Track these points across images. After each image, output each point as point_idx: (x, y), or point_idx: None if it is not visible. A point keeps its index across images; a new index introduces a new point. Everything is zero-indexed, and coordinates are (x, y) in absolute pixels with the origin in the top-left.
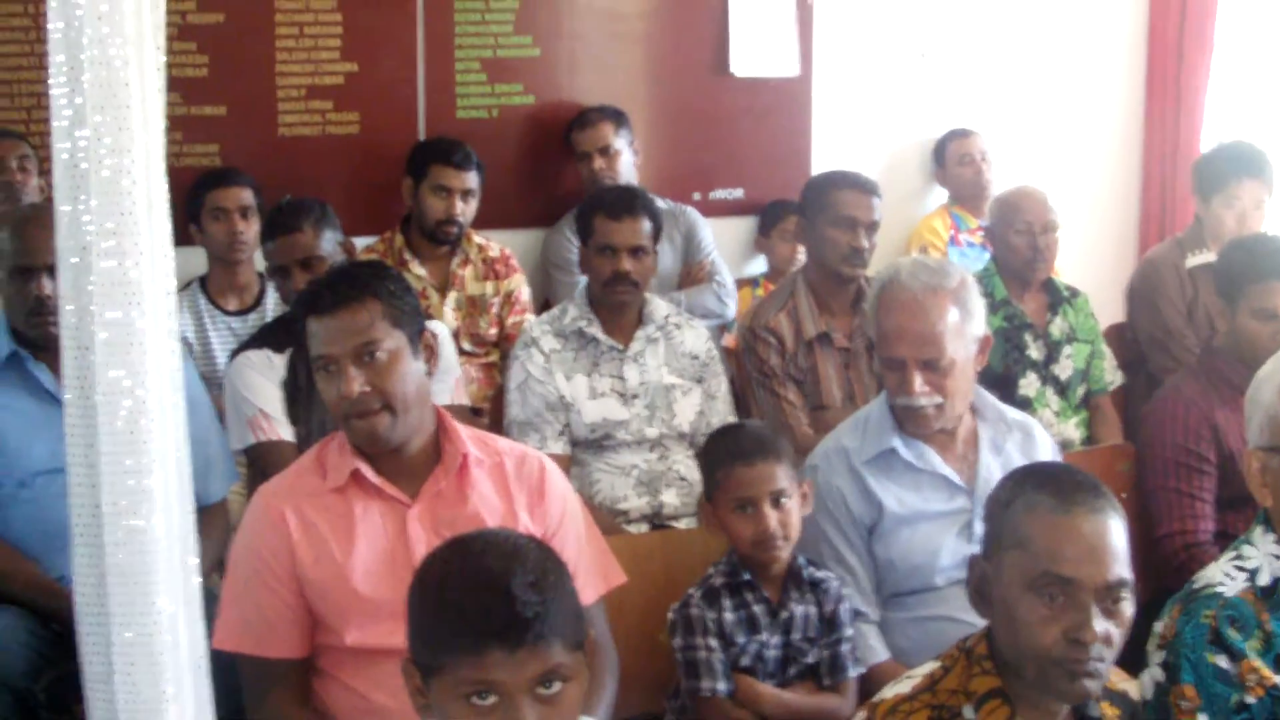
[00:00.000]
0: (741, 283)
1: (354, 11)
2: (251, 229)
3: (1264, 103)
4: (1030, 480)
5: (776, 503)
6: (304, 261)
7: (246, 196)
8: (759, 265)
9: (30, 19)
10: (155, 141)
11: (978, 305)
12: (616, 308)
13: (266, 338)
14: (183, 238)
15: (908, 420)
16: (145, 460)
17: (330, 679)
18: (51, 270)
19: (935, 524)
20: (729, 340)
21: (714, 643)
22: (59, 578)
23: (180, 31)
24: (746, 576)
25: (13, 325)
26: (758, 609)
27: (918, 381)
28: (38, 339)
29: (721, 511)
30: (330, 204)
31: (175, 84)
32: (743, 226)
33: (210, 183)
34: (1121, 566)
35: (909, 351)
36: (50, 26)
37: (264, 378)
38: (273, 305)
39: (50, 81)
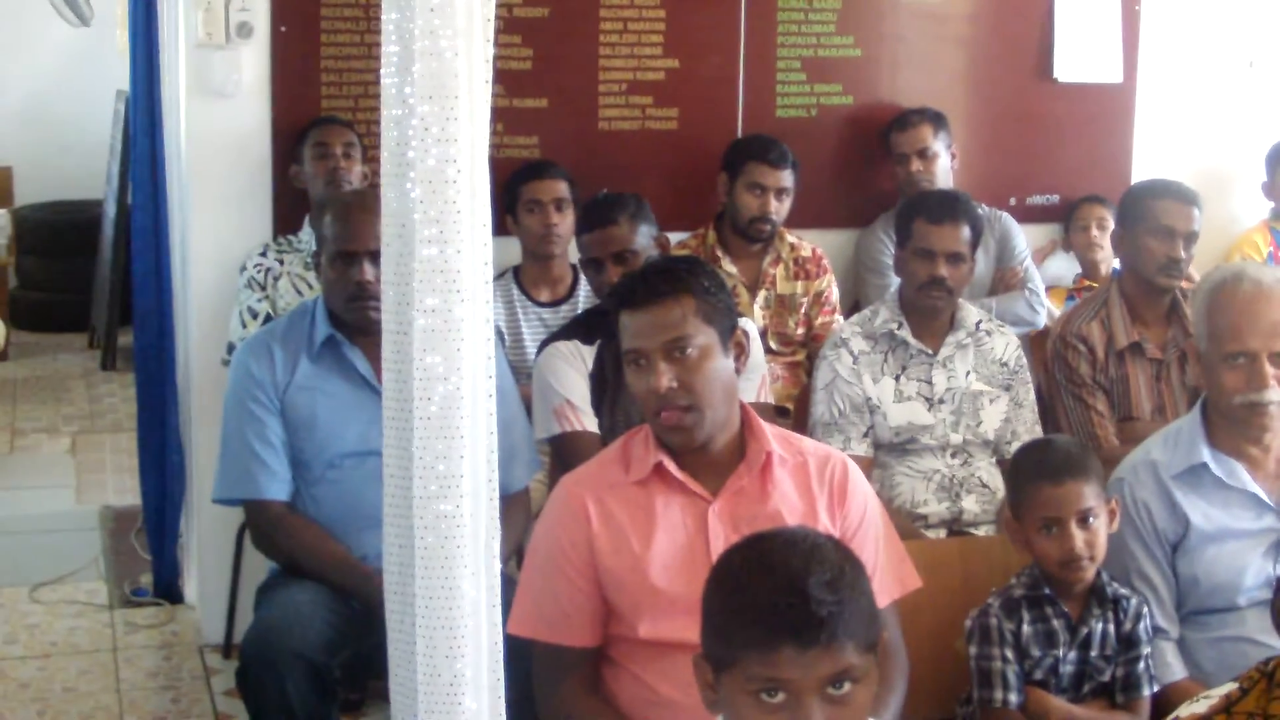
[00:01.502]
0: (1052, 288)
1: (677, 9)
2: (566, 221)
3: None
4: None
5: (1083, 523)
6: (618, 255)
7: (562, 189)
8: (1067, 267)
9: (360, 9)
10: (480, 132)
11: None
12: (928, 312)
13: (576, 329)
14: (499, 228)
15: (1251, 420)
16: (456, 446)
17: (620, 669)
18: (374, 256)
19: (1242, 543)
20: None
21: (1009, 654)
22: (361, 557)
23: (506, 25)
24: (1048, 591)
25: (331, 309)
26: (1057, 624)
27: (1270, 373)
28: (356, 323)
29: (1027, 529)
30: (646, 198)
31: (499, 76)
32: (1058, 233)
33: (526, 175)
34: None
35: (1261, 343)
36: (384, 18)
37: (572, 368)
38: (584, 297)
39: (381, 71)
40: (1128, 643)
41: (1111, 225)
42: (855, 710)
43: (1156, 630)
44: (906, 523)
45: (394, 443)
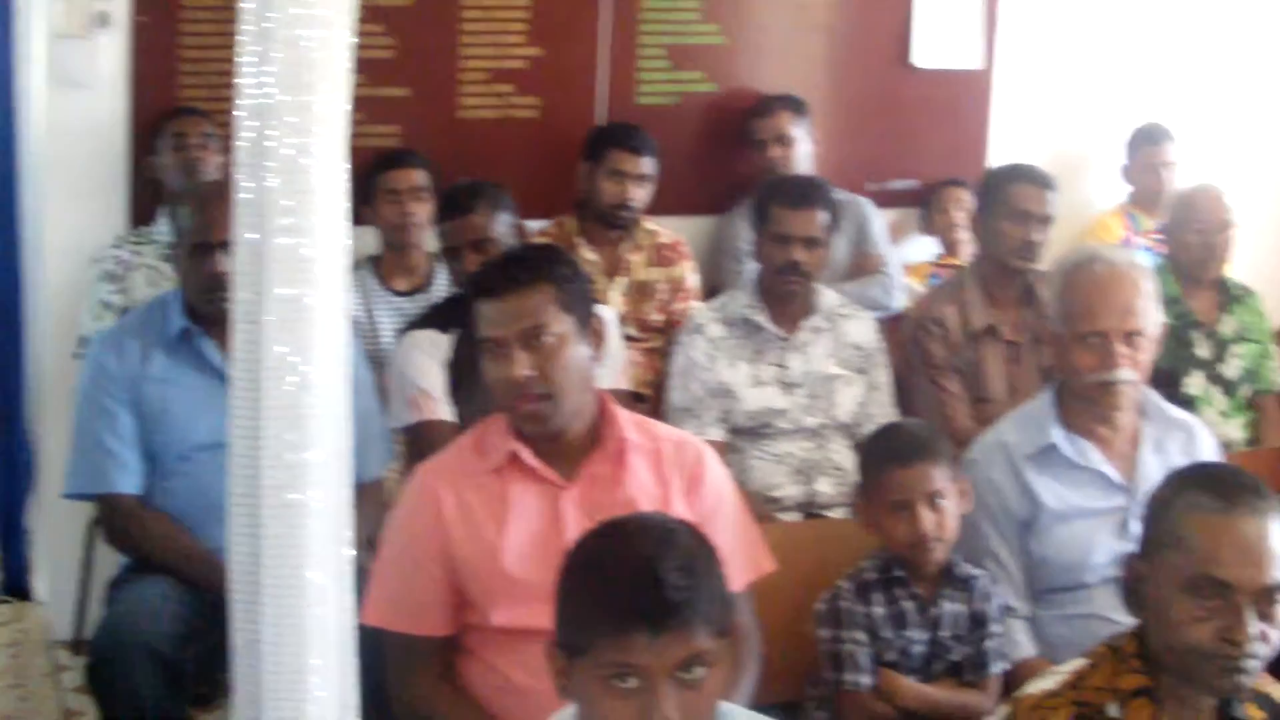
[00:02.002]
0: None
1: None
2: (423, 210)
3: None
4: (1192, 480)
5: (932, 504)
6: (476, 243)
7: (419, 178)
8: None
9: None
10: (339, 122)
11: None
12: (785, 297)
13: (434, 318)
14: (357, 218)
15: (1103, 399)
16: (306, 435)
17: (474, 658)
18: (227, 246)
19: (1091, 522)
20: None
21: (861, 636)
22: (214, 549)
23: (368, 13)
24: (898, 573)
25: (188, 301)
26: (908, 605)
27: (1122, 353)
28: (211, 315)
29: (877, 511)
30: (506, 187)
31: (360, 65)
32: (916, 217)
33: (384, 164)
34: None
35: (1113, 323)
36: (242, 5)
37: (429, 357)
38: (442, 286)
39: (239, 59)
40: (977, 622)
41: (970, 208)
42: (708, 694)
43: (1007, 609)
44: (761, 506)
45: (242, 432)
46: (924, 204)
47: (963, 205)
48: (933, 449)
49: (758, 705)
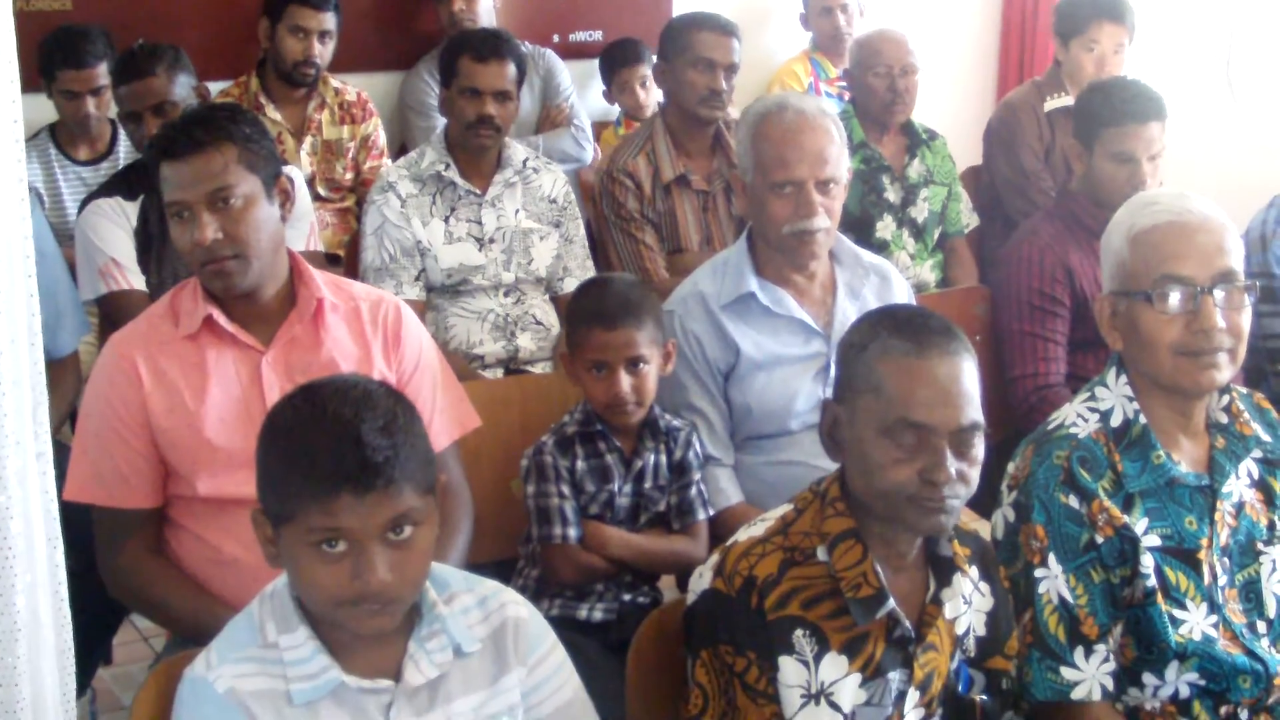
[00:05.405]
0: (598, 125)
1: None
2: (104, 104)
3: None
4: (884, 324)
5: (632, 368)
6: (157, 107)
7: (98, 77)
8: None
9: None
10: None
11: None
12: (476, 151)
13: (118, 185)
14: (31, 84)
15: (799, 248)
16: None
17: (181, 529)
18: None
19: (791, 369)
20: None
21: (566, 490)
22: None
23: None
24: (600, 427)
25: None
26: (610, 458)
27: (816, 201)
28: None
29: (578, 368)
30: (184, 48)
31: None
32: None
33: (60, 60)
34: (974, 410)
35: (807, 171)
36: None
37: (115, 226)
38: (125, 153)
39: None
40: (680, 471)
41: (652, 84)
42: (418, 553)
43: (709, 459)
44: (463, 363)
45: None
46: (606, 80)
47: (646, 83)
48: (639, 312)
49: (470, 565)
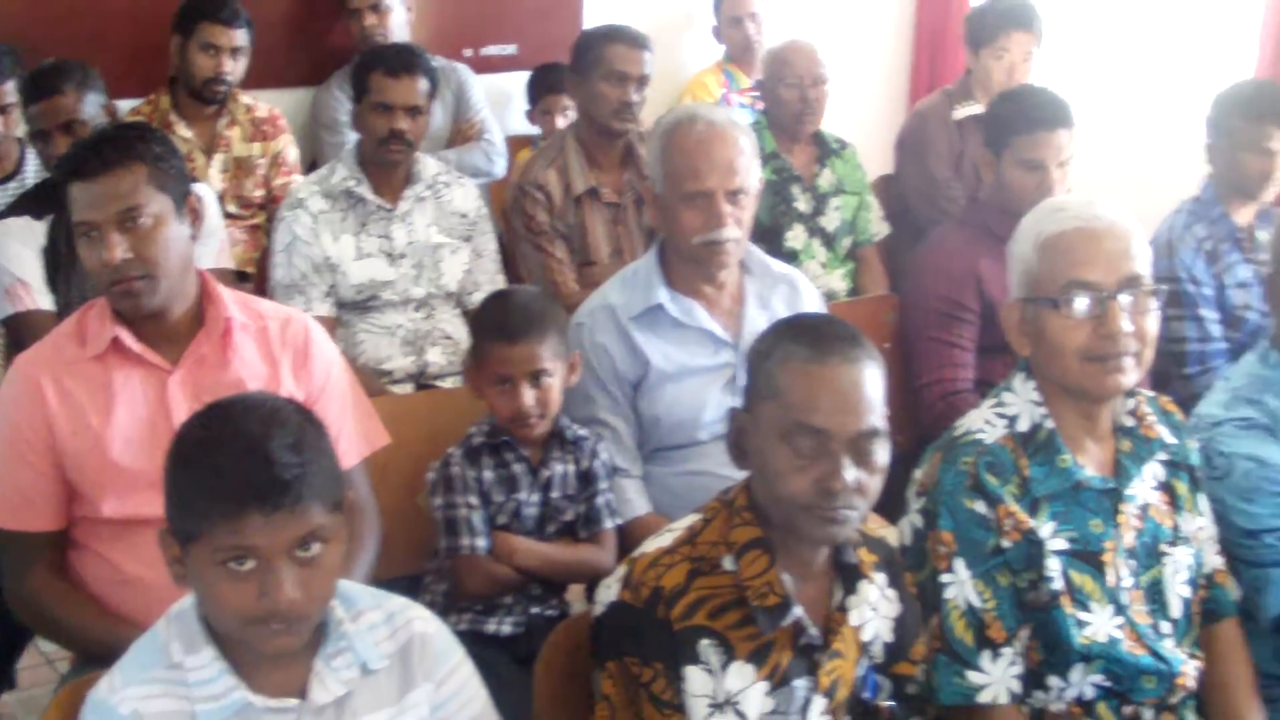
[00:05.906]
0: (519, 141)
1: None
2: (12, 123)
3: None
4: (788, 332)
5: (535, 381)
6: (66, 126)
7: (6, 95)
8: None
9: None
10: None
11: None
12: (387, 166)
13: (26, 204)
14: None
15: (709, 258)
16: None
17: (85, 550)
18: None
19: (701, 379)
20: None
21: (474, 500)
22: None
23: None
24: (506, 438)
25: None
26: (518, 468)
27: (726, 211)
28: None
29: (483, 382)
30: (94, 66)
31: None
32: (516, 82)
33: None
34: (874, 416)
35: (717, 182)
36: None
37: (24, 245)
38: (33, 172)
39: None
40: (586, 480)
41: (571, 113)
42: (326, 570)
43: (617, 470)
44: (372, 379)
45: None
46: (531, 102)
47: (567, 113)
48: (541, 324)
49: (378, 581)
